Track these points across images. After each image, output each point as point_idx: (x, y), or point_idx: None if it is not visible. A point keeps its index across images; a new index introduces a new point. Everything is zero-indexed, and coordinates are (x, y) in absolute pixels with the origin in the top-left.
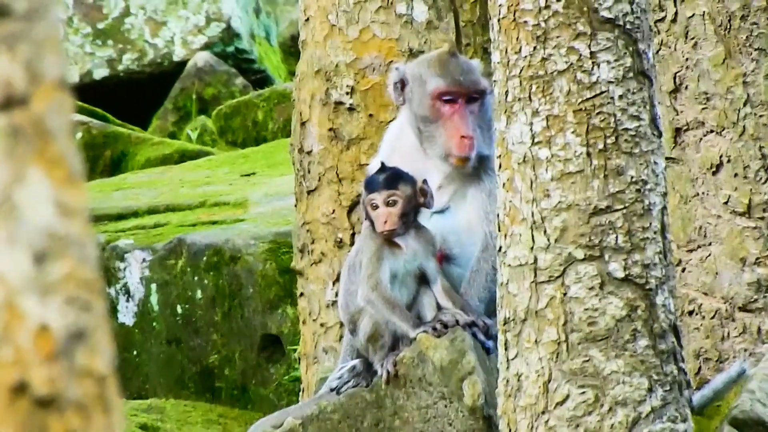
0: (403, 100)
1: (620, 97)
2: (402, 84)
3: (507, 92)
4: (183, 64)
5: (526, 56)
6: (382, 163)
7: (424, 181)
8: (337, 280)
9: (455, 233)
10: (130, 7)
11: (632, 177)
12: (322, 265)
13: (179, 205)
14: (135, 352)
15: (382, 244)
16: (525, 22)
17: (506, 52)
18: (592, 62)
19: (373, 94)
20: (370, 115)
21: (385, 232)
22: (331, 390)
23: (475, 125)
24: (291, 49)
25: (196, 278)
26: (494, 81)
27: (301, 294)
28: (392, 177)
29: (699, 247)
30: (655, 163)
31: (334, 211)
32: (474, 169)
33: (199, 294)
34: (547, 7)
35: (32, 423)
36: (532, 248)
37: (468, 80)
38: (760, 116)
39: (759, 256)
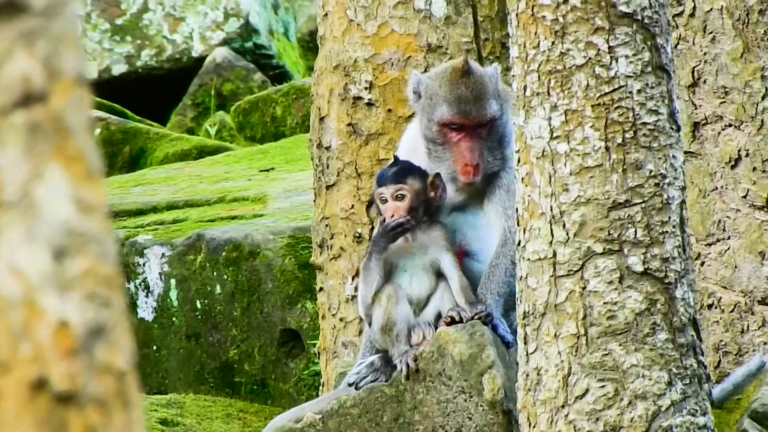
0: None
1: (639, 91)
2: (418, 94)
3: (525, 87)
4: (201, 59)
5: (544, 51)
6: (395, 157)
7: (437, 176)
8: (357, 274)
9: (474, 229)
10: (149, 3)
11: (651, 171)
12: (341, 260)
13: (198, 200)
14: (154, 348)
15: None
16: (543, 16)
17: (525, 46)
18: (611, 57)
19: (391, 89)
20: (389, 110)
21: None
22: (349, 385)
23: (482, 149)
24: (309, 45)
25: (215, 273)
26: (513, 76)
27: (321, 289)
28: (401, 171)
29: (718, 240)
30: (674, 157)
31: (353, 206)
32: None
33: (218, 289)
34: (565, 1)
35: (52, 419)
36: (551, 242)
37: (476, 109)
38: None
39: None
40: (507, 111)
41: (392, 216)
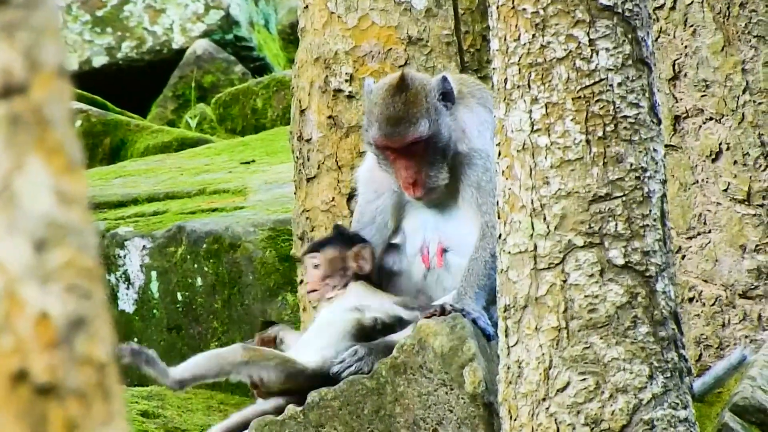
0: None
1: (619, 84)
2: None
3: (506, 80)
4: (182, 51)
5: (525, 44)
6: (335, 226)
7: (364, 247)
8: None
9: (452, 225)
10: None
11: (632, 164)
12: None
13: (179, 192)
14: (135, 340)
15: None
16: (524, 9)
17: (505, 39)
18: (591, 50)
19: None
20: None
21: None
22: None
23: (419, 165)
24: (290, 37)
25: (195, 265)
26: (493, 68)
27: (301, 281)
28: (321, 241)
29: (699, 234)
30: (655, 150)
31: (333, 198)
32: (459, 165)
33: (199, 281)
34: None
35: (32, 410)
36: (531, 235)
37: (402, 131)
38: (759, 103)
39: (759, 243)
40: (459, 113)
41: (308, 284)
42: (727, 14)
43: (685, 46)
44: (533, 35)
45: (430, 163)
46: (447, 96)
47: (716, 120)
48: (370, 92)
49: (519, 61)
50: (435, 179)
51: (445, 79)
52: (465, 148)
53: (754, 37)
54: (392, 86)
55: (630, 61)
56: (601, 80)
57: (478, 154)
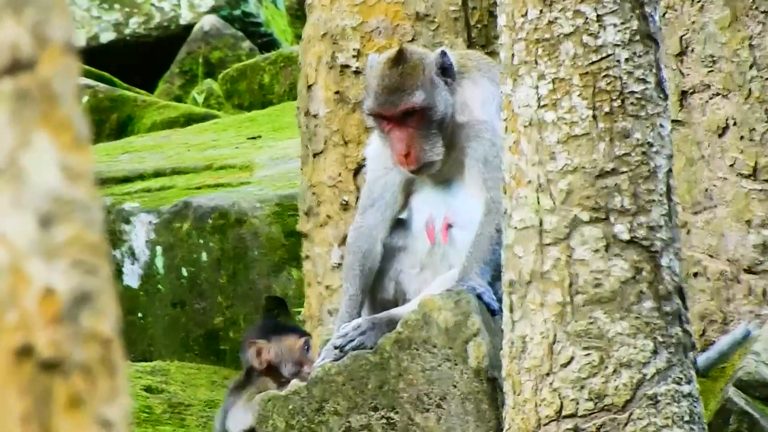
0: None
1: (626, 60)
2: None
3: (513, 55)
4: (190, 27)
5: (532, 19)
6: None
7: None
8: (343, 242)
9: (458, 200)
10: None
11: (638, 140)
12: (328, 228)
13: (185, 168)
14: (140, 315)
15: None
16: None
17: (512, 15)
18: (599, 25)
19: None
20: None
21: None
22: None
23: (415, 138)
24: (298, 13)
25: (201, 241)
26: (500, 44)
27: (307, 256)
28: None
29: (705, 209)
30: (661, 125)
31: (340, 173)
32: (465, 138)
33: (204, 257)
34: None
35: (37, 386)
36: (537, 211)
37: (399, 100)
38: (766, 79)
39: (764, 219)
40: (462, 87)
41: None
42: None
43: (693, 22)
44: (540, 11)
45: (424, 137)
46: (446, 71)
47: (723, 95)
48: (371, 66)
49: (526, 36)
50: (429, 153)
51: (444, 53)
52: (466, 119)
53: (762, 12)
54: (390, 59)
55: (637, 37)
56: (608, 56)
57: (484, 127)
